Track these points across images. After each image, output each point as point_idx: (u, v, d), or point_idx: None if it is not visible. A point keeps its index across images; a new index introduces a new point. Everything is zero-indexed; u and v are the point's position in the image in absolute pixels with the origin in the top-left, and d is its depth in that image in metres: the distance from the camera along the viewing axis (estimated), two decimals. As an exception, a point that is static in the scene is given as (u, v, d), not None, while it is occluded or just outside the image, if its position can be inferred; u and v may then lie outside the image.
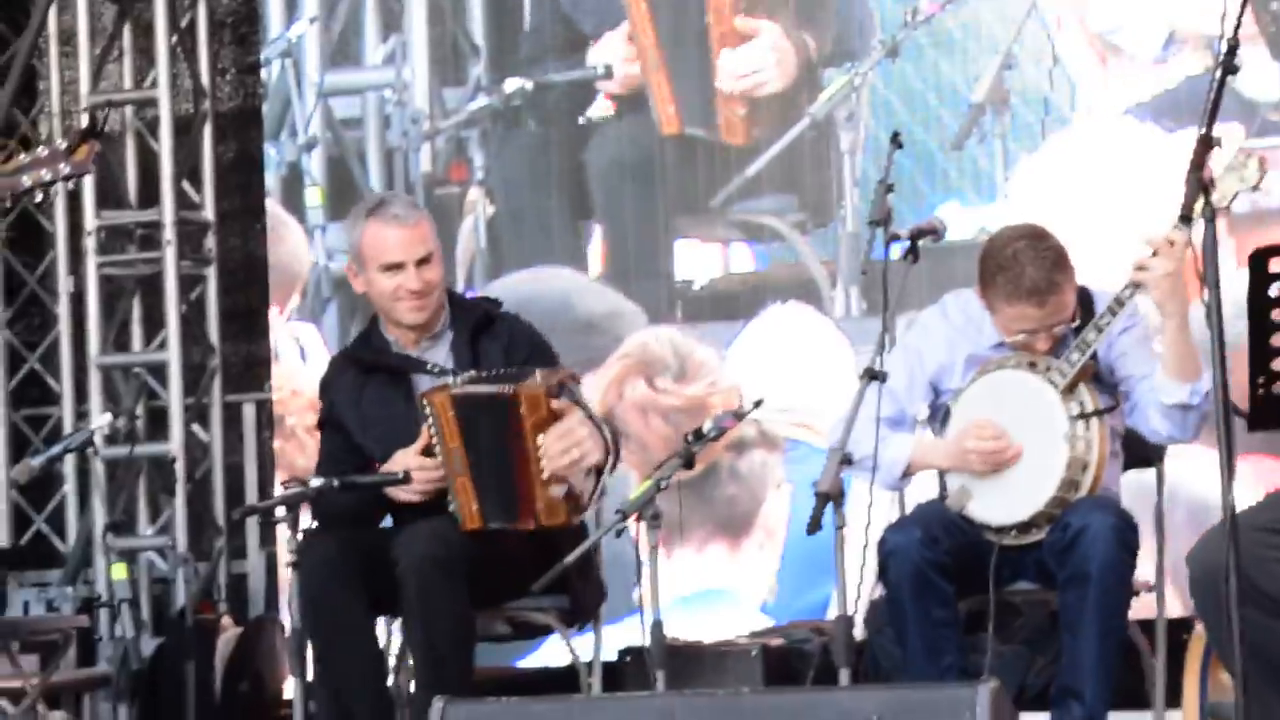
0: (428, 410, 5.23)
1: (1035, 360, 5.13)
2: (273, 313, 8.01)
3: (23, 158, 4.67)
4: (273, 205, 8.03)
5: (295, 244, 7.99)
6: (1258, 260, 3.86)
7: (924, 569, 5.04)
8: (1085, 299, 5.20)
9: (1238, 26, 4.16)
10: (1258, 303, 3.86)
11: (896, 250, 5.12)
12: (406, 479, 5.23)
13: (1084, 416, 5.06)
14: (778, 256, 7.49)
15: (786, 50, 7.39)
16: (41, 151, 4.66)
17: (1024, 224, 5.29)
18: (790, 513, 7.19)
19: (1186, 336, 5.00)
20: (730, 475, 6.60)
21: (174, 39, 8.13)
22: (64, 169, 4.67)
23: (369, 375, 5.47)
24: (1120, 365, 5.19)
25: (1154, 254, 4.82)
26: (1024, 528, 5.10)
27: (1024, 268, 5.05)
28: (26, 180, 4.65)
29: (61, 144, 4.67)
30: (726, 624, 6.69)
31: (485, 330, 5.46)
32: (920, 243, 5.13)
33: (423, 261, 5.36)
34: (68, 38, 8.38)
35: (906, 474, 5.35)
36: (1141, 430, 5.19)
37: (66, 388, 8.32)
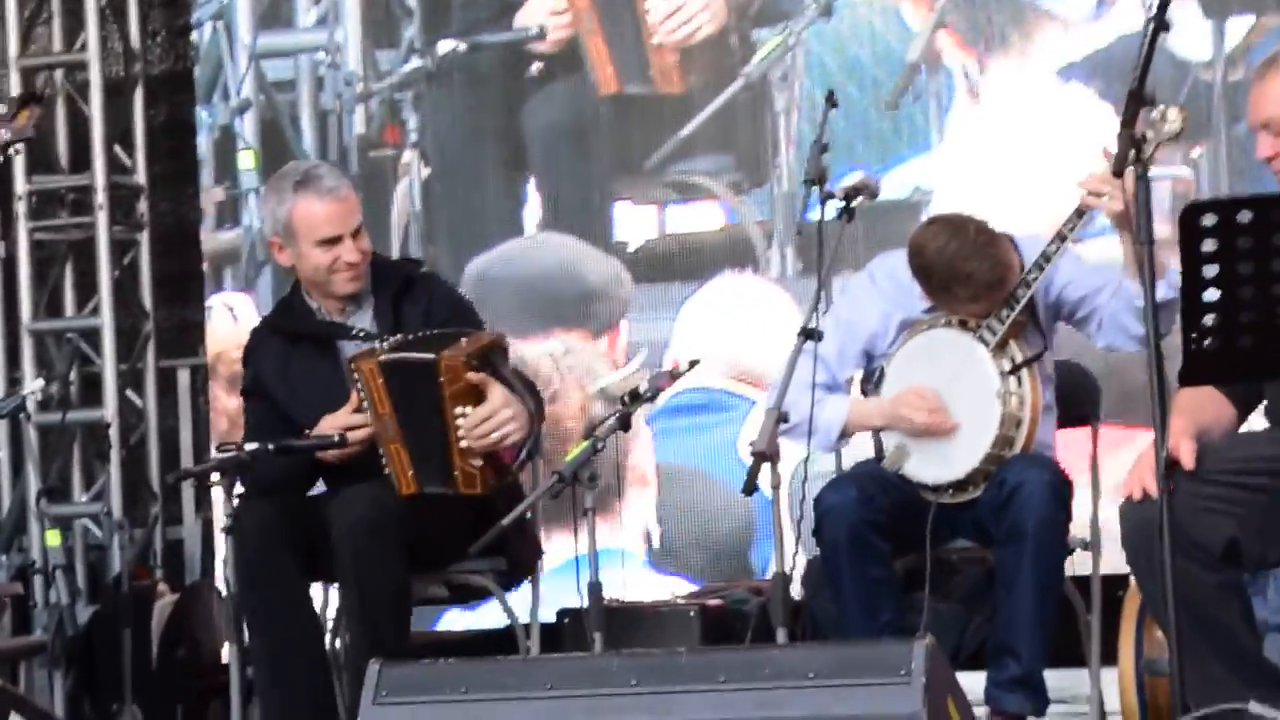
0: (357, 377, 5.22)
1: (966, 319, 5.16)
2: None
3: None
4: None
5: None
6: (1189, 215, 3.87)
7: (860, 528, 5.06)
8: (1014, 248, 5.22)
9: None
10: (1190, 259, 3.87)
11: (831, 209, 5.11)
12: (342, 442, 5.23)
13: (1015, 370, 5.09)
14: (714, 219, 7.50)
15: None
16: None
17: (938, 221, 5.25)
18: (656, 460, 7.31)
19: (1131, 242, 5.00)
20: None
21: (104, 1, 8.08)
22: (4, 134, 4.65)
23: (294, 343, 5.45)
24: (1069, 294, 5.20)
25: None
26: (960, 486, 5.12)
27: (971, 271, 5.06)
28: None
29: (1, 108, 4.64)
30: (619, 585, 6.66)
31: (406, 293, 5.44)
32: (854, 202, 5.11)
33: (356, 232, 5.36)
34: (-7, -1, 8.33)
35: (844, 435, 5.37)
36: (1119, 343, 5.16)
37: None
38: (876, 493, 5.13)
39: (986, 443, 5.08)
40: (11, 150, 4.90)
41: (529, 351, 7.24)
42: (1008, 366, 5.09)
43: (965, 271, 5.07)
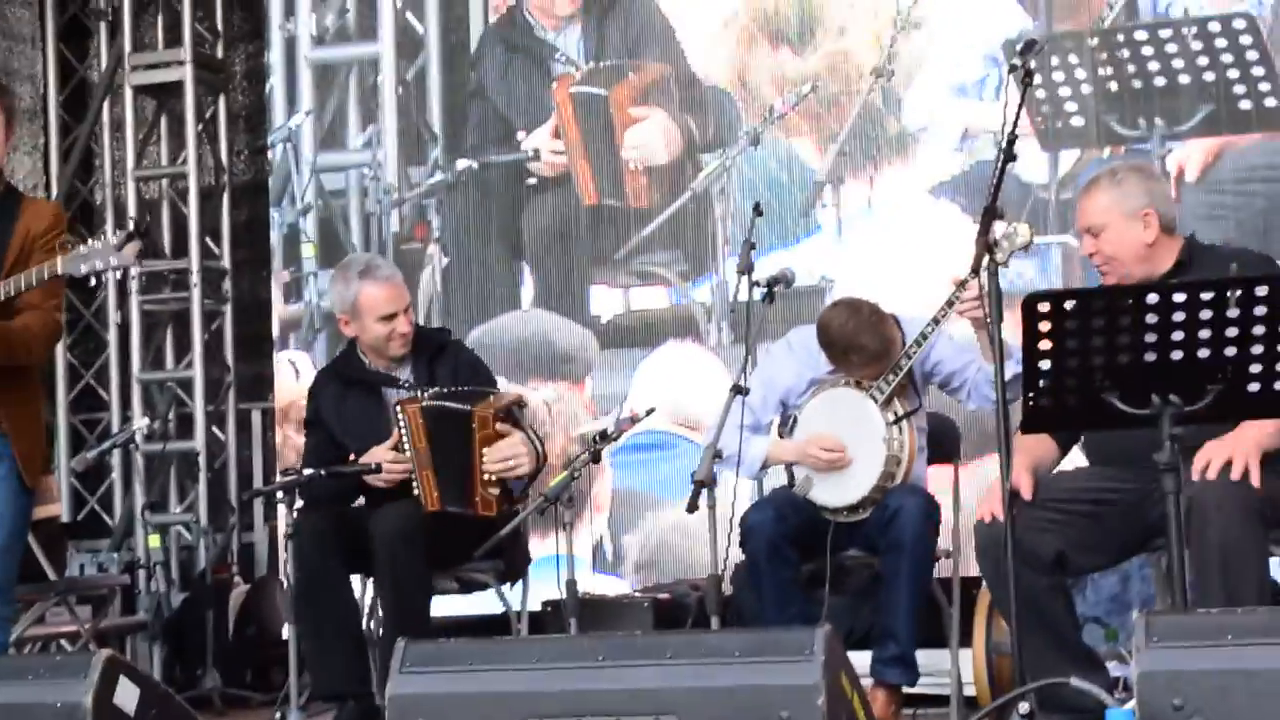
0: (401, 416, 5.21)
1: (861, 380, 5.17)
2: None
3: (81, 249, 4.59)
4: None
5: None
6: (1029, 303, 3.87)
7: (776, 540, 5.06)
8: (897, 325, 5.23)
9: (1016, 122, 4.21)
10: (1029, 336, 3.87)
11: (757, 294, 5.09)
12: (378, 469, 5.21)
13: (897, 420, 5.10)
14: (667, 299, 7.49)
15: (672, 129, 7.36)
16: (96, 245, 4.58)
17: (841, 304, 5.26)
18: (613, 488, 7.26)
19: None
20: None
21: (200, 127, 8.10)
22: (113, 260, 4.59)
23: (349, 387, 5.43)
24: (941, 369, 5.21)
25: (963, 289, 4.84)
26: (853, 509, 5.11)
27: (864, 344, 5.07)
28: (84, 268, 4.58)
29: (113, 240, 4.60)
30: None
31: (439, 356, 5.44)
32: (775, 289, 5.10)
33: (406, 309, 5.36)
34: (117, 126, 8.32)
35: (764, 466, 5.36)
36: (983, 405, 5.18)
37: (114, 397, 8.25)
38: (789, 513, 5.12)
39: (874, 476, 5.07)
40: (119, 274, 4.87)
41: (531, 397, 7.26)
42: (891, 418, 5.09)
43: (859, 344, 5.07)
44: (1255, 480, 4.13)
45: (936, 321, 5.03)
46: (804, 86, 7.18)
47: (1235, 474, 4.13)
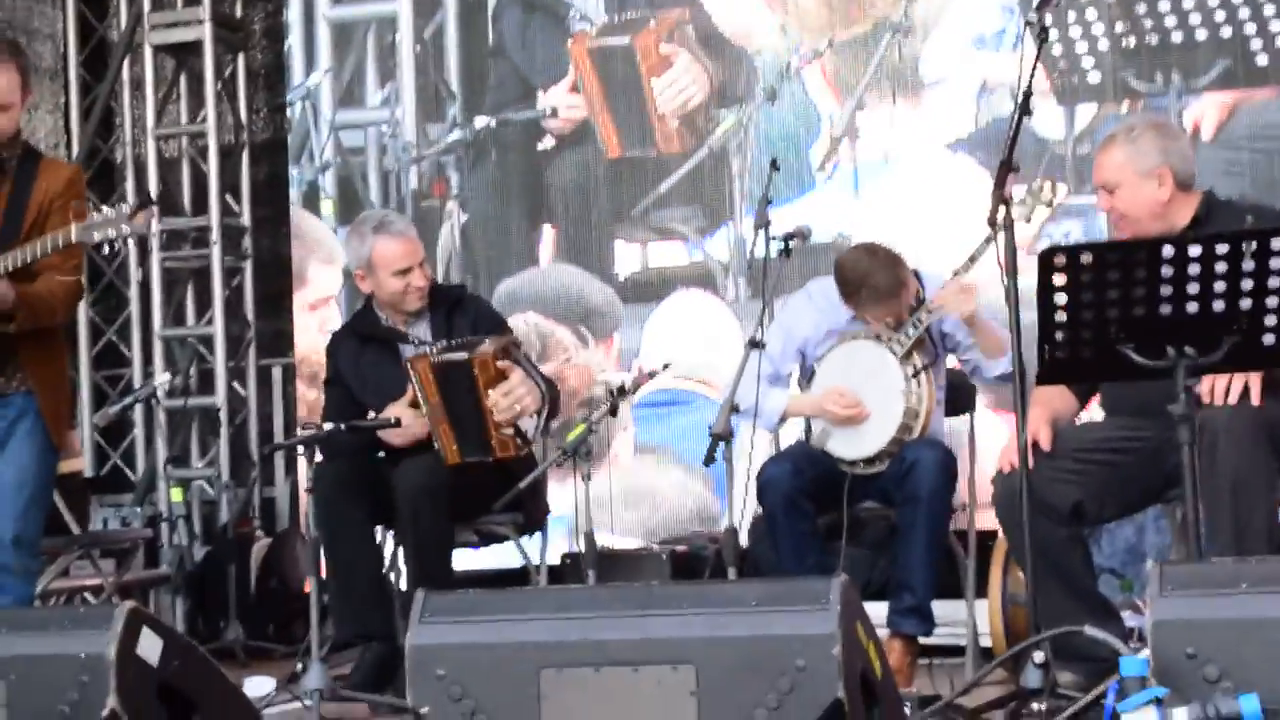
0: (412, 373, 5.23)
1: (880, 333, 5.16)
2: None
3: (95, 217, 4.62)
4: (299, 214, 8.00)
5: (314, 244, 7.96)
6: (1046, 256, 3.89)
7: (792, 494, 5.07)
8: (918, 279, 5.24)
9: (1031, 78, 4.21)
10: (1045, 289, 3.89)
11: (774, 249, 5.12)
12: (397, 423, 5.23)
13: (916, 374, 5.10)
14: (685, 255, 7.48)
15: (699, 69, 7.35)
16: (110, 213, 4.60)
17: (860, 244, 5.30)
18: (633, 446, 7.26)
19: (987, 330, 5.08)
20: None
21: (219, 85, 8.09)
22: (125, 229, 4.62)
23: (365, 344, 5.45)
24: (954, 338, 5.23)
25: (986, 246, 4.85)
26: (869, 461, 5.13)
27: (877, 282, 5.09)
28: (97, 235, 4.61)
29: (125, 208, 4.62)
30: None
31: (457, 308, 5.46)
32: (791, 243, 5.12)
33: (421, 264, 5.37)
34: (137, 84, 8.31)
35: (782, 420, 5.38)
36: (981, 382, 5.31)
37: (136, 354, 8.26)
38: (805, 466, 5.13)
39: (892, 429, 5.09)
40: (133, 241, 4.92)
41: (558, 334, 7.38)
42: (911, 371, 5.10)
43: (872, 281, 5.09)
44: (1255, 398, 4.20)
45: (956, 274, 5.04)
46: (820, 41, 7.17)
47: (1235, 392, 4.21)
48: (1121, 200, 4.50)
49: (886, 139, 7.09)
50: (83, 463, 7.73)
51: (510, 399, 5.16)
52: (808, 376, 5.34)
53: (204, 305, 8.14)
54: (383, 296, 5.39)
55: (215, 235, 7.99)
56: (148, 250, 8.09)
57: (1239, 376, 4.21)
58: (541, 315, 7.42)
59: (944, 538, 5.09)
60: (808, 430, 5.34)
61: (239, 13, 8.27)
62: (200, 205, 8.12)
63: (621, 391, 5.08)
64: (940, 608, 5.09)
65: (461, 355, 5.19)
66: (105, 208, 4.63)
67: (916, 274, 5.21)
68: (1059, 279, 3.87)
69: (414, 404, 5.24)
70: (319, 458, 5.35)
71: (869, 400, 5.12)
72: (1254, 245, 3.76)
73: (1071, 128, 6.80)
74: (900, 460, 5.05)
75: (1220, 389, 4.21)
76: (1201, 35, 6.62)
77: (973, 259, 5.01)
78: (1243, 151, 6.64)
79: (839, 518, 5.10)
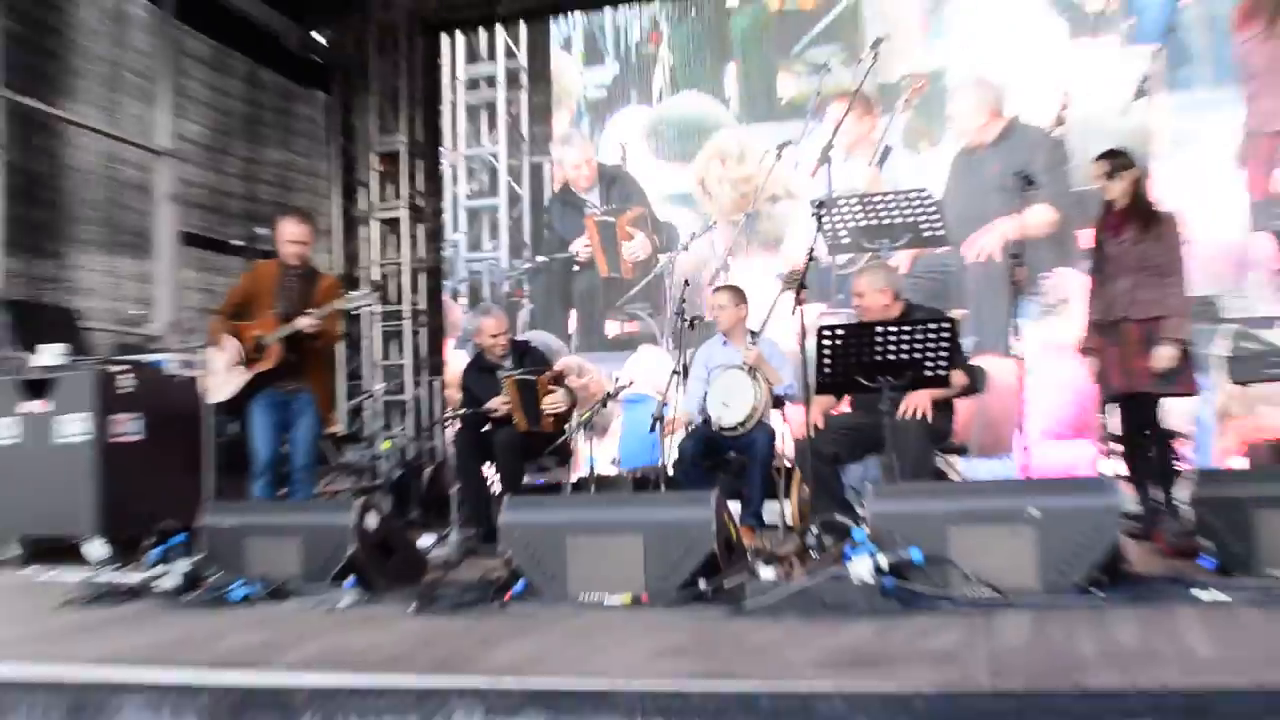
0: (504, 384, 5.19)
1: (742, 364, 5.04)
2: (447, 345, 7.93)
3: (351, 295, 4.57)
4: (449, 304, 7.90)
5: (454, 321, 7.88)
6: (820, 331, 3.87)
7: (694, 455, 4.92)
8: (753, 335, 5.09)
9: (815, 238, 4.17)
10: (820, 346, 3.88)
11: (689, 324, 5.08)
12: (496, 410, 5.19)
13: (756, 383, 4.95)
14: (642, 326, 7.44)
15: (646, 238, 7.29)
16: (356, 295, 4.56)
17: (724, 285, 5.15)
18: (623, 426, 7.12)
19: (770, 370, 4.93)
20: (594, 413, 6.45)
21: (410, 239, 7.91)
22: (364, 303, 4.54)
23: (480, 371, 5.37)
24: (772, 362, 5.06)
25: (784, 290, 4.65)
26: (733, 429, 4.97)
27: (723, 300, 5.04)
28: (349, 307, 4.59)
29: (365, 292, 4.55)
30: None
31: (526, 353, 5.39)
32: (695, 320, 5.10)
33: (505, 331, 5.32)
34: (368, 237, 8.18)
35: (702, 411, 5.25)
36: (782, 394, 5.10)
37: (366, 372, 7.94)
38: (701, 438, 4.97)
39: (746, 412, 4.94)
40: (368, 308, 4.87)
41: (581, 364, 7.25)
42: (756, 383, 4.93)
43: (719, 301, 5.08)
44: (929, 416, 4.19)
45: (761, 328, 5.00)
46: (720, 218, 7.10)
47: (918, 411, 4.19)
48: (864, 302, 4.49)
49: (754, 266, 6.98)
50: (340, 427, 7.66)
51: (553, 401, 5.13)
52: (706, 390, 5.26)
53: (399, 348, 8.07)
54: (485, 346, 5.35)
55: (407, 313, 7.93)
56: (374, 317, 8.04)
57: (919, 403, 4.19)
58: (574, 356, 7.41)
59: (770, 472, 4.96)
60: (706, 418, 5.24)
61: (422, 203, 8.23)
62: (398, 298, 8.08)
63: (610, 395, 5.07)
64: (768, 506, 5.00)
65: (530, 378, 5.16)
66: (353, 292, 4.65)
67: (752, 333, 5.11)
68: (827, 341, 3.91)
69: (505, 401, 5.21)
70: (458, 426, 5.33)
71: (734, 400, 4.99)
72: (923, 326, 3.81)
73: (833, 264, 6.76)
74: (749, 431, 4.95)
75: (910, 408, 4.20)
76: (899, 219, 6.63)
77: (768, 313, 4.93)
78: (921, 279, 6.64)
79: (720, 460, 5.00)
